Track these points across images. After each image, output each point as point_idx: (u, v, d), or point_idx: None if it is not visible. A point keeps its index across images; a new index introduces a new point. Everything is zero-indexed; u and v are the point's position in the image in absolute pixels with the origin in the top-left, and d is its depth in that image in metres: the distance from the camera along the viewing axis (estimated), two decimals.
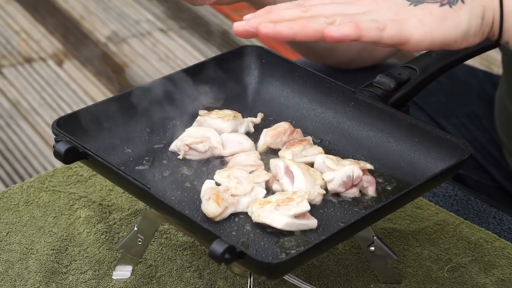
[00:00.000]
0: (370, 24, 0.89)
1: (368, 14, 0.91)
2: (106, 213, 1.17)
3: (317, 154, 1.05)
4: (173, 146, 1.07)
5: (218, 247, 0.84)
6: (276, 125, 1.10)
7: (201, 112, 1.11)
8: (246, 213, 0.98)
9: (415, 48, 0.91)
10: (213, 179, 1.02)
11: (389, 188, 1.02)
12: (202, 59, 3.14)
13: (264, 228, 0.95)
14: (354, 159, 1.06)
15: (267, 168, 1.04)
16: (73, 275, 1.07)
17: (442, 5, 0.91)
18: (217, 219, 0.96)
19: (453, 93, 1.43)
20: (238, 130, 1.10)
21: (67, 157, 0.96)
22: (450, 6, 0.91)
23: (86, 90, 3.09)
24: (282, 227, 0.94)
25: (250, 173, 1.02)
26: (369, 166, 1.03)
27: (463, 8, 0.92)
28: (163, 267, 1.09)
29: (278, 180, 1.02)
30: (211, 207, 0.95)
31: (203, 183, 1.00)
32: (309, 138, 1.08)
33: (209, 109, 1.12)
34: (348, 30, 0.88)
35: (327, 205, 1.00)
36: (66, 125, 1.01)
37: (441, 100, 1.42)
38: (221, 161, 1.06)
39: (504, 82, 1.35)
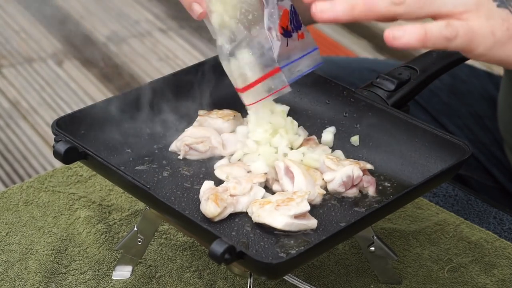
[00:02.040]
0: (439, 34, 0.81)
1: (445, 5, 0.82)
2: (106, 213, 1.17)
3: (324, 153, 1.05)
4: (173, 146, 1.07)
5: (218, 247, 0.83)
6: None
7: (201, 112, 1.11)
8: (246, 213, 0.97)
9: (473, 58, 0.86)
10: (212, 179, 1.01)
11: (389, 188, 1.02)
12: (202, 59, 3.13)
13: (264, 228, 0.95)
14: (354, 159, 1.05)
15: None
16: (73, 275, 1.07)
17: None
18: (216, 219, 0.96)
19: (456, 93, 1.43)
20: None
21: (67, 157, 0.96)
22: None
23: (86, 90, 3.09)
24: (282, 227, 0.94)
25: (248, 172, 1.02)
26: (369, 166, 1.03)
27: None
28: (163, 267, 1.09)
29: (278, 180, 1.02)
30: (209, 207, 0.95)
31: (202, 183, 1.00)
32: (314, 137, 1.08)
33: (209, 109, 1.12)
34: (413, 39, 0.80)
35: (327, 205, 1.00)
36: (66, 125, 1.01)
37: (444, 100, 1.42)
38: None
39: (507, 80, 1.34)
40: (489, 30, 0.82)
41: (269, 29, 0.95)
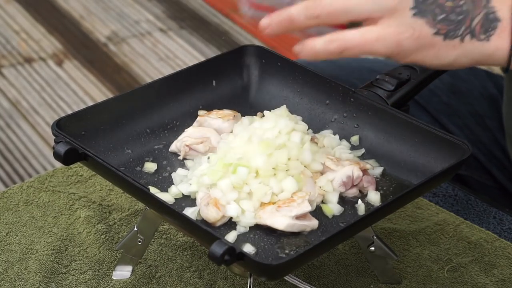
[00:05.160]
0: (325, 49, 0.84)
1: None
2: (106, 213, 1.17)
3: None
4: (173, 147, 1.07)
5: (217, 248, 0.83)
6: None
7: (200, 112, 1.11)
8: None
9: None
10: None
11: (389, 188, 1.02)
12: (202, 59, 3.13)
13: (264, 228, 0.95)
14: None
15: None
16: (73, 275, 1.07)
17: (438, 34, 0.84)
18: (218, 224, 0.95)
19: (456, 92, 1.42)
20: None
21: (67, 158, 0.96)
22: (444, 39, 0.85)
23: (86, 90, 3.09)
24: (283, 229, 0.93)
25: None
26: (369, 166, 1.03)
27: (456, 47, 0.86)
28: (163, 267, 1.09)
29: None
30: (211, 212, 0.94)
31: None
32: (316, 136, 1.08)
33: (209, 109, 1.12)
34: (307, 55, 0.85)
35: None
36: (66, 126, 1.01)
37: (444, 100, 1.42)
38: None
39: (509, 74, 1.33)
40: (394, 39, 0.82)
41: None
